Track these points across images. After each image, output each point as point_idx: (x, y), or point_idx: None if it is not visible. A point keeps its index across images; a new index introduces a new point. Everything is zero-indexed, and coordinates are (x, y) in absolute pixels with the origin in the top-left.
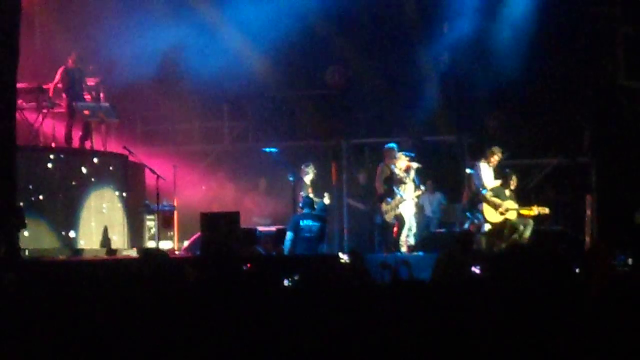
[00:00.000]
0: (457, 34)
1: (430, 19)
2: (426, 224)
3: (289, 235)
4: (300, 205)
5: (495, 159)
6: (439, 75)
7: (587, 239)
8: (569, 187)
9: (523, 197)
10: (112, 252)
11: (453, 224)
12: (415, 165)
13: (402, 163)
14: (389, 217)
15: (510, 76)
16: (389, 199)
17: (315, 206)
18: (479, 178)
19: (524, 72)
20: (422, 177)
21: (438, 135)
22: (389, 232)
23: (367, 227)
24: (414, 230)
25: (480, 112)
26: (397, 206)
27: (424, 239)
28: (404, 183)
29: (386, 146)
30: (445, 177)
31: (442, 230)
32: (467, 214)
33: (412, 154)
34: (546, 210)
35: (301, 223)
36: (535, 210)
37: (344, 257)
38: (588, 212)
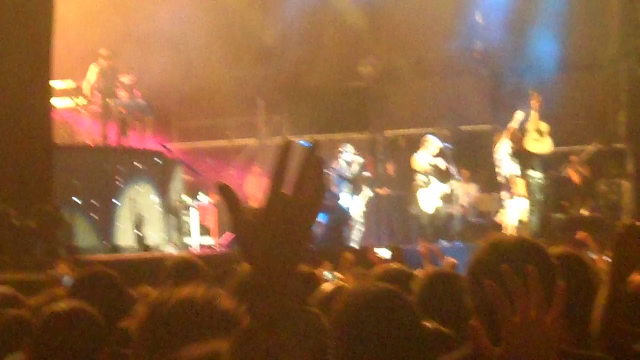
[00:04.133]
0: (491, 24)
1: (463, 8)
2: (463, 214)
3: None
4: None
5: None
6: (473, 65)
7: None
8: (605, 173)
9: (560, 184)
10: (147, 248)
11: (490, 213)
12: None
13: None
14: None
15: (545, 64)
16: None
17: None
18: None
19: (558, 60)
20: (458, 166)
21: (473, 124)
22: (431, 222)
23: (397, 217)
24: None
25: (515, 101)
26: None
27: (462, 230)
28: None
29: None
30: (481, 167)
31: (480, 219)
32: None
33: (448, 144)
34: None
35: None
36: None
37: (379, 252)
38: (624, 199)
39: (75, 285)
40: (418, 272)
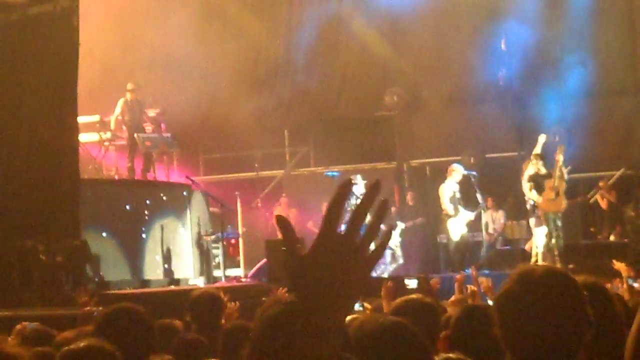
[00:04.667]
0: (515, 51)
1: (487, 36)
2: (490, 241)
3: None
4: None
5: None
6: (498, 93)
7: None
8: (632, 199)
9: (588, 210)
10: (175, 281)
11: (518, 241)
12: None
13: None
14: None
15: (571, 91)
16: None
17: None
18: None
19: (585, 86)
20: (485, 194)
21: (499, 152)
22: (458, 250)
23: (424, 246)
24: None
25: (541, 128)
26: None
27: (490, 257)
28: None
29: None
30: (508, 194)
31: (508, 247)
32: None
33: (474, 172)
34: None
35: None
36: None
37: (409, 283)
38: None
39: (101, 322)
40: (446, 302)
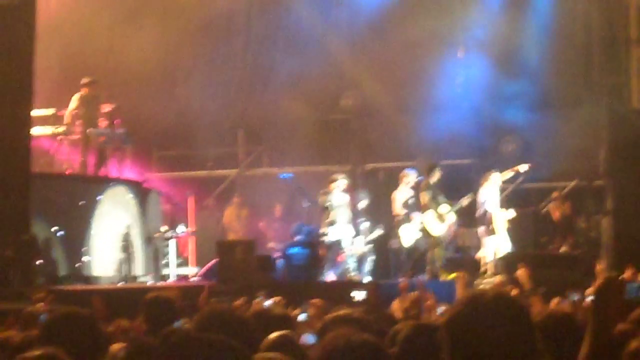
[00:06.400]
0: (473, 60)
1: (444, 43)
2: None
3: (279, 262)
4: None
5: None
6: (454, 100)
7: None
8: (585, 210)
9: (540, 220)
10: (125, 279)
11: (469, 248)
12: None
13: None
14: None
15: (526, 101)
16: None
17: (303, 233)
18: None
19: (538, 95)
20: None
21: (453, 159)
22: (410, 256)
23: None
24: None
25: (496, 136)
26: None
27: (441, 264)
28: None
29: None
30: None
31: (459, 254)
32: None
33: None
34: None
35: (289, 251)
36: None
37: (355, 295)
38: (604, 236)
39: (48, 327)
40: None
